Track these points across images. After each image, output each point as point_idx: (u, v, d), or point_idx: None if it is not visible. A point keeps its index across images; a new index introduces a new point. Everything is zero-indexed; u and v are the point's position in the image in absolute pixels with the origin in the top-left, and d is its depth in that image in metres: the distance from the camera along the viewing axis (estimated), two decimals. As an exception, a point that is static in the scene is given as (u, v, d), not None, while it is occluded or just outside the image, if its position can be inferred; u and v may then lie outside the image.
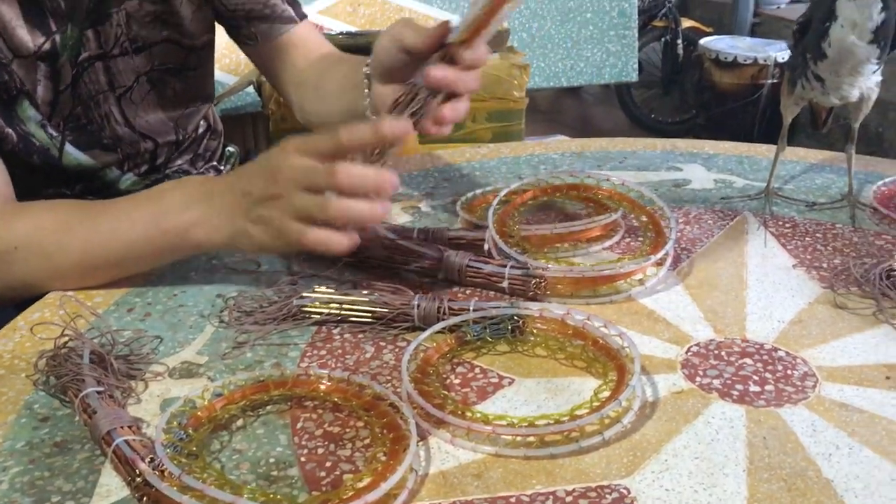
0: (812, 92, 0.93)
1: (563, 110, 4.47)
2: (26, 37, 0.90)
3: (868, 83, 0.91)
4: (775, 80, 3.28)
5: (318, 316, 0.73)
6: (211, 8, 1.05)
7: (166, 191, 0.77)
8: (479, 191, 0.98)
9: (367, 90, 0.91)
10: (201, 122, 1.16)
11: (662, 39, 3.89)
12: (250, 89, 1.59)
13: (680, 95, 3.93)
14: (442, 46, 0.73)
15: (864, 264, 0.80)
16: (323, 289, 0.75)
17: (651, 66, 4.04)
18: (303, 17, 1.09)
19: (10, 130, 0.92)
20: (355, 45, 1.65)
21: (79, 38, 0.94)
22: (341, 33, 1.63)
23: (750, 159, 1.12)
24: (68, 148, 0.98)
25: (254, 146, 1.63)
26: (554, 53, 1.94)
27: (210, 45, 1.10)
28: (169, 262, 0.80)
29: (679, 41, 3.83)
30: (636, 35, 1.96)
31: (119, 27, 0.97)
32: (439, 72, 0.70)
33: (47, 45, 0.91)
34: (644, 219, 0.89)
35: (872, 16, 0.83)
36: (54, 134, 0.96)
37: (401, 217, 0.95)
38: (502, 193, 0.90)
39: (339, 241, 0.67)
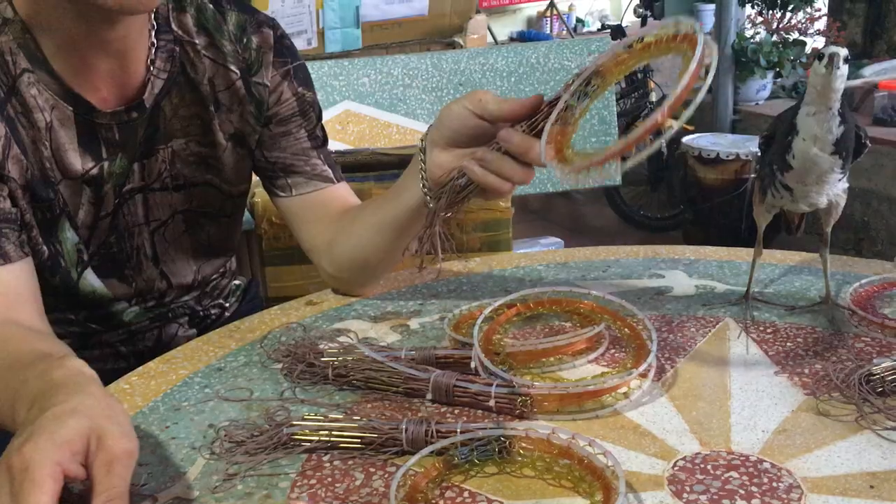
0: (782, 200, 0.96)
1: (554, 210, 4.55)
2: (77, 160, 0.94)
3: (835, 190, 0.94)
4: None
5: (309, 443, 0.74)
6: (252, 159, 1.09)
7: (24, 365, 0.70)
8: (464, 307, 1.00)
9: (422, 163, 0.94)
10: (220, 269, 1.19)
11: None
12: (243, 210, 1.64)
13: (667, 192, 4.01)
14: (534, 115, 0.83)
15: (844, 369, 0.81)
16: (312, 415, 0.76)
17: (638, 165, 4.14)
18: (341, 179, 1.12)
19: (44, 247, 0.95)
20: (345, 162, 1.71)
21: (126, 169, 0.98)
22: (332, 152, 1.68)
23: (730, 264, 1.15)
24: (88, 274, 1.01)
25: (249, 269, 1.66)
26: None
27: (245, 194, 1.13)
28: None
29: (663, 140, 3.93)
30: (617, 140, 2.03)
31: (164, 163, 1.01)
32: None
33: (95, 171, 0.95)
34: (626, 331, 0.91)
35: (832, 129, 0.87)
36: (85, 259, 0.99)
37: (389, 336, 0.97)
38: (487, 311, 0.92)
39: None
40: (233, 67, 1.03)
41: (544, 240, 2.70)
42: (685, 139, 3.65)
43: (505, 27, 7.49)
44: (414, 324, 1.00)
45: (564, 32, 7.10)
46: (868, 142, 0.93)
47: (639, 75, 4.04)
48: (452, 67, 1.98)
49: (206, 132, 1.03)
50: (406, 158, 1.72)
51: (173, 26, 0.99)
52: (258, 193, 1.59)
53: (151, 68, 0.97)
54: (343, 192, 1.12)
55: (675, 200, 3.91)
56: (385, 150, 1.72)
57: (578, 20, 7.59)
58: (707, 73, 0.69)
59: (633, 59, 0.79)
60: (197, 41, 1.01)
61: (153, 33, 0.97)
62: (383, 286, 1.13)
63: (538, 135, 0.82)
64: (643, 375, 0.82)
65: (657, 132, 0.74)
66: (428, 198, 0.93)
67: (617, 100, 4.20)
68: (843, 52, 0.83)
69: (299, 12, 2.08)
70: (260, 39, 1.05)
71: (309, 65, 1.79)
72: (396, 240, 1.01)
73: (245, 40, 1.04)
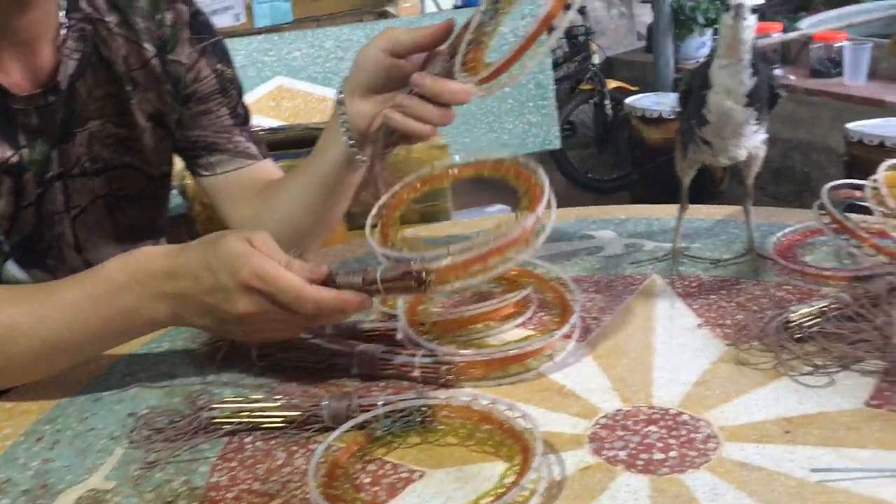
0: (703, 155, 0.96)
1: (503, 177, 4.54)
2: None
3: (753, 142, 0.94)
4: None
5: (230, 426, 0.73)
6: (172, 139, 1.06)
7: (122, 288, 0.77)
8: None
9: (343, 115, 0.92)
10: None
11: (591, 101, 4.01)
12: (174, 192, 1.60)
13: (614, 153, 4.04)
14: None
15: (764, 318, 0.82)
16: (233, 397, 0.75)
17: (584, 128, 4.16)
18: (265, 155, 1.10)
19: None
20: (276, 140, 1.68)
21: (46, 156, 0.95)
22: (262, 129, 1.66)
23: (659, 221, 1.15)
24: (10, 265, 0.98)
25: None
26: (477, 129, 1.99)
27: (168, 176, 1.10)
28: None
29: (607, 102, 3.95)
30: (555, 105, 2.03)
31: (81, 146, 0.98)
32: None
33: (14, 159, 0.92)
34: (550, 295, 0.91)
35: (744, 81, 0.87)
36: (6, 250, 0.95)
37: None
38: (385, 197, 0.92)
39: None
40: (147, 45, 1.00)
41: (491, 208, 2.69)
42: (628, 100, 3.67)
43: (448, -5, 7.44)
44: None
45: (508, -3, 7.06)
46: (781, 91, 0.93)
47: (580, 38, 4.04)
48: (385, 37, 1.96)
49: (123, 113, 1.00)
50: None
51: (83, 4, 0.96)
52: (189, 174, 1.56)
53: (63, 49, 0.94)
54: (268, 169, 1.10)
55: (622, 161, 3.94)
56: (319, 125, 1.69)
57: (522, -15, 7.56)
58: None
59: None
60: (108, 19, 0.98)
61: (63, 13, 0.94)
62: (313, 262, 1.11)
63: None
64: (567, 336, 0.82)
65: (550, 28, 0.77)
66: (354, 150, 0.92)
67: (560, 63, 4.20)
68: (750, 2, 0.83)
69: (224, -13, 2.03)
70: (174, 15, 1.02)
71: (238, 41, 1.75)
72: (326, 200, 0.99)
73: (159, 17, 1.01)
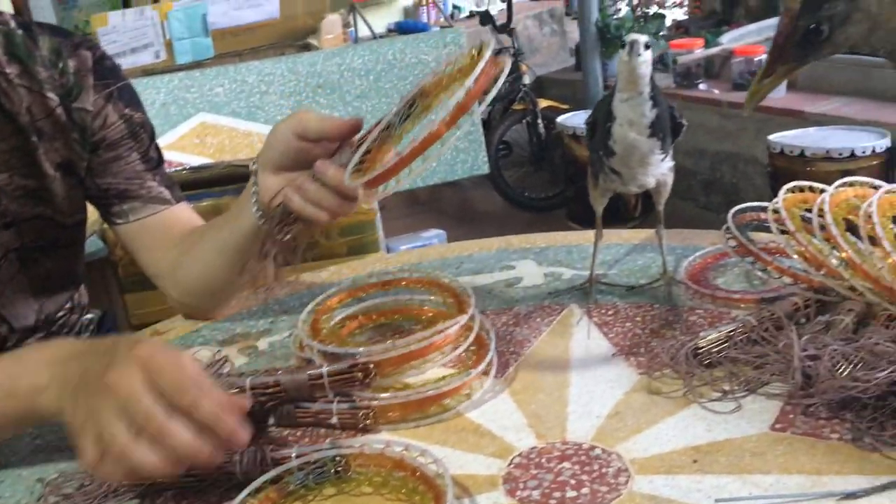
0: (613, 184, 0.98)
1: (442, 199, 4.56)
2: None
3: (660, 170, 0.97)
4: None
5: (140, 487, 0.71)
6: (83, 187, 1.04)
7: (26, 353, 0.74)
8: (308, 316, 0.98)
9: (255, 185, 0.92)
10: (66, 305, 1.13)
11: (524, 121, 4.06)
12: (95, 237, 1.58)
13: (549, 171, 4.09)
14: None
15: (673, 345, 0.84)
16: (144, 457, 0.73)
17: (519, 147, 4.20)
18: (179, 199, 1.08)
19: None
20: (200, 178, 1.67)
21: None
22: (185, 168, 1.64)
23: (579, 248, 1.17)
24: None
25: (108, 299, 1.60)
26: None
27: (82, 223, 1.08)
28: (23, 429, 0.78)
29: (539, 121, 4.00)
30: (481, 131, 2.05)
31: None
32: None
33: None
34: (468, 332, 0.91)
35: (645, 113, 0.89)
36: None
37: (237, 359, 0.95)
38: (326, 328, 0.92)
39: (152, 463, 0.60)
40: (50, 94, 0.98)
41: (426, 233, 2.70)
42: (559, 119, 3.72)
43: (382, 19, 7.45)
44: (263, 344, 0.98)
45: (442, 20, 7.12)
46: (684, 121, 0.96)
47: (511, 60, 4.09)
48: (309, 70, 1.96)
49: (30, 164, 0.98)
50: (266, 168, 1.68)
51: None
52: (111, 219, 1.53)
53: None
54: (183, 214, 1.09)
55: (557, 179, 3.98)
56: (242, 162, 1.68)
57: (455, 7, 7.62)
58: (495, 82, 0.73)
59: (451, 81, 0.80)
60: (8, 70, 0.96)
61: None
62: (234, 306, 1.10)
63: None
64: (485, 373, 0.83)
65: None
66: (262, 222, 0.91)
67: (492, 85, 4.24)
68: (643, 38, 0.85)
69: (143, 25, 2.01)
70: (77, 63, 1.00)
71: (158, 78, 1.73)
72: (238, 263, 0.98)
73: (61, 65, 0.99)
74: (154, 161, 1.08)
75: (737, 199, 3.57)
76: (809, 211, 0.92)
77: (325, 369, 0.78)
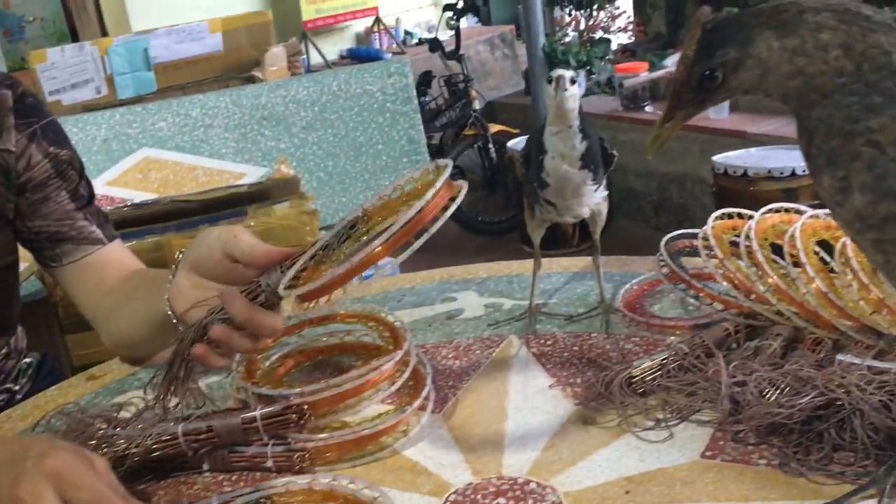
0: (549, 214, 1.00)
1: (397, 225, 4.55)
2: None
3: (594, 200, 0.98)
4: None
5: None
6: (12, 230, 1.01)
7: None
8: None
9: (171, 276, 0.84)
10: (1, 350, 1.10)
11: (475, 146, 4.09)
12: (34, 278, 1.55)
13: (502, 195, 4.11)
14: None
15: (608, 374, 0.85)
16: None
17: (471, 172, 4.22)
18: (112, 237, 1.05)
19: None
20: (143, 215, 1.65)
21: None
22: (126, 205, 1.62)
23: (520, 278, 1.18)
24: None
25: (50, 340, 1.57)
26: (354, 187, 2.00)
27: (13, 266, 1.05)
28: None
29: (490, 145, 4.03)
30: (428, 158, 2.06)
31: None
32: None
33: None
34: (404, 368, 0.91)
35: (576, 146, 0.91)
36: None
37: (174, 402, 0.93)
38: (265, 364, 0.91)
39: None
40: None
41: (381, 262, 2.69)
42: (510, 143, 3.75)
43: (334, 46, 7.46)
44: (201, 385, 0.97)
45: (395, 46, 7.16)
46: (614, 152, 0.98)
47: (460, 85, 4.13)
48: (253, 102, 1.95)
49: None
50: (211, 203, 1.68)
51: None
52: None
53: None
54: (116, 254, 1.06)
55: (510, 203, 4.01)
56: (186, 197, 1.67)
57: (407, 32, 7.67)
58: (447, 208, 0.71)
59: (399, 205, 0.78)
60: None
61: None
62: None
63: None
64: (422, 409, 0.83)
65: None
66: (170, 312, 0.82)
67: (442, 110, 4.28)
68: (569, 73, 0.87)
69: (82, 60, 1.99)
70: None
71: (100, 114, 1.71)
72: (160, 336, 0.90)
73: None
74: (84, 199, 1.06)
75: (685, 219, 3.64)
76: (739, 237, 0.94)
77: (258, 412, 0.77)
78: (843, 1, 0.46)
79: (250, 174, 1.86)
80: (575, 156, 0.91)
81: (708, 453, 0.73)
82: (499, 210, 4.16)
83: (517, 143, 3.71)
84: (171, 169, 1.87)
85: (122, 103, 1.97)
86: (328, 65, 6.59)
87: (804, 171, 2.86)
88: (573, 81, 0.87)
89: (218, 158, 1.90)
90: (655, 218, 3.79)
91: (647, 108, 3.76)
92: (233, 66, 2.18)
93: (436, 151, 4.32)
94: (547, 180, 0.94)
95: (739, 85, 0.47)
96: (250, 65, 2.18)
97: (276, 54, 2.20)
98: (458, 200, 0.72)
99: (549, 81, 0.87)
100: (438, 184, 0.69)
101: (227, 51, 2.16)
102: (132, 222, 1.61)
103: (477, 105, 4.10)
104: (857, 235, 0.49)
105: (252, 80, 2.12)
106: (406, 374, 0.85)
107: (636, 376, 0.83)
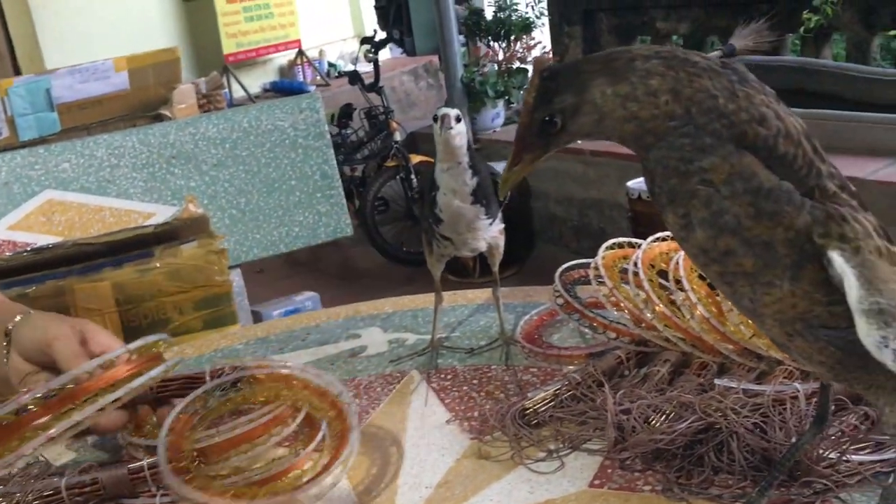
0: (447, 249, 1.01)
1: (323, 259, 4.53)
2: None
3: (490, 234, 1.00)
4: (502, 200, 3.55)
5: None
6: None
7: None
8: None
9: (5, 340, 0.84)
10: None
11: (398, 177, 4.11)
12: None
13: (426, 225, 4.13)
14: None
15: (503, 407, 0.85)
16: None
17: (395, 203, 4.24)
18: None
19: None
20: (44, 259, 1.60)
21: None
22: (24, 251, 1.57)
23: (424, 312, 1.18)
24: None
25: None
26: (267, 223, 1.98)
27: None
28: None
29: (412, 176, 4.06)
30: (342, 193, 2.06)
31: None
32: None
33: None
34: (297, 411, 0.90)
35: (466, 181, 0.92)
36: None
37: (65, 455, 0.90)
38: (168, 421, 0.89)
39: None
40: None
41: (299, 296, 2.67)
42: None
43: (257, 79, 7.43)
44: (91, 437, 0.94)
45: (318, 78, 7.16)
46: (507, 186, 0.99)
47: (381, 117, 4.15)
48: (161, 141, 1.92)
49: None
50: (115, 245, 1.64)
51: None
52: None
53: None
54: None
55: (434, 233, 4.03)
56: (89, 240, 1.63)
57: (331, 64, 7.68)
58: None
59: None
60: None
61: None
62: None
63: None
64: (317, 451, 0.82)
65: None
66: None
67: (364, 143, 4.29)
68: (454, 112, 0.88)
69: (-20, 103, 1.93)
70: None
71: (0, 156, 1.66)
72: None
73: None
74: None
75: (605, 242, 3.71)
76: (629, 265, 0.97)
77: (145, 462, 0.75)
78: (671, 48, 0.48)
79: (160, 214, 1.83)
80: (466, 191, 0.92)
81: (596, 482, 0.74)
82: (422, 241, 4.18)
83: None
84: (76, 211, 1.82)
85: (24, 145, 1.92)
86: (251, 98, 6.56)
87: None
88: (458, 119, 0.88)
89: (126, 199, 1.87)
90: (576, 242, 3.85)
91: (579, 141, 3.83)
92: (140, 105, 2.14)
93: (359, 183, 4.32)
94: (441, 216, 0.95)
95: (579, 129, 0.49)
96: (158, 103, 2.15)
97: (185, 92, 2.17)
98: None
99: (435, 120, 0.88)
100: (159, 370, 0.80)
101: (133, 89, 2.12)
102: (33, 267, 1.56)
103: (398, 136, 4.12)
104: (704, 269, 0.52)
105: (160, 118, 2.09)
106: (300, 418, 0.84)
107: (529, 408, 0.84)
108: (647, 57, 0.47)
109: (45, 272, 1.53)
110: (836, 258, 0.47)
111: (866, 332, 0.45)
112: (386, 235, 4.11)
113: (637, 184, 3.08)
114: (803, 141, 0.49)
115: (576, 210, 3.84)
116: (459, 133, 0.89)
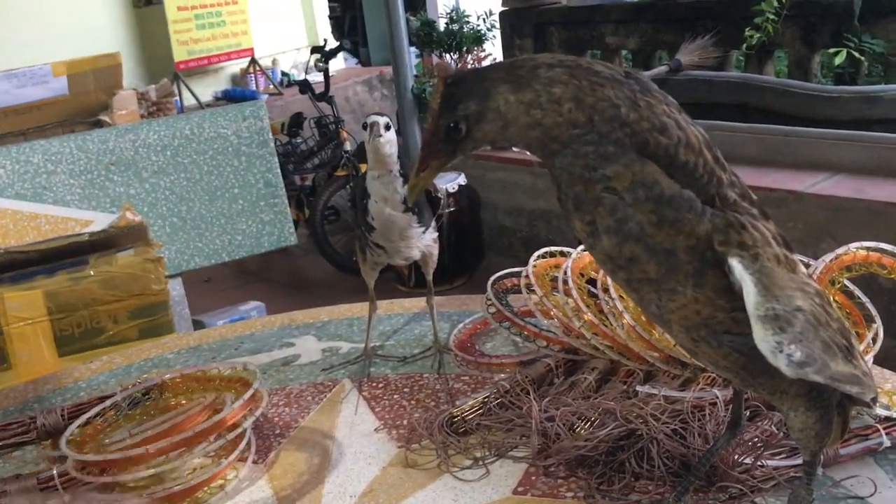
0: (380, 257, 1.00)
1: (273, 268, 4.48)
2: None
3: (423, 242, 1.00)
4: (451, 209, 3.55)
5: None
6: None
7: None
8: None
9: None
10: None
11: (348, 186, 4.08)
12: None
13: (377, 235, 4.11)
14: None
15: (430, 415, 0.85)
16: None
17: (344, 212, 4.21)
18: None
19: None
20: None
21: None
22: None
23: (360, 321, 1.18)
24: None
25: None
26: (210, 232, 1.95)
27: None
28: None
29: (363, 186, 4.04)
30: (286, 202, 2.04)
31: None
32: None
33: None
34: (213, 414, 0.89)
35: (398, 189, 0.92)
36: None
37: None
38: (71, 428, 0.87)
39: None
40: None
41: (245, 306, 2.64)
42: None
43: (208, 87, 7.32)
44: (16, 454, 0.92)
45: (271, 87, 7.10)
46: (440, 195, 1.00)
47: (331, 126, 4.13)
48: (100, 147, 1.89)
49: None
50: (49, 253, 1.60)
51: None
52: None
53: None
54: None
55: (385, 243, 4.01)
56: (21, 248, 1.59)
57: (284, 74, 7.62)
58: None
59: (195, 384, 0.88)
60: None
61: None
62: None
63: None
64: (241, 460, 0.81)
65: None
66: None
67: (314, 152, 4.26)
68: (383, 119, 0.88)
69: None
70: None
71: (-70, 162, 1.61)
72: None
73: None
74: None
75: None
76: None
77: (55, 470, 0.73)
78: (575, 57, 0.49)
79: (98, 221, 1.79)
80: (397, 199, 0.92)
81: (520, 489, 0.74)
82: (374, 250, 4.16)
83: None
84: (10, 218, 1.78)
85: (-43, 150, 1.86)
86: (202, 106, 6.46)
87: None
88: (388, 127, 0.88)
89: (63, 206, 1.83)
90: (525, 253, 3.86)
91: (514, 148, 3.86)
92: (79, 111, 2.10)
93: (309, 192, 4.29)
94: (373, 224, 0.95)
95: (484, 136, 0.49)
96: (98, 108, 2.10)
97: (126, 97, 2.13)
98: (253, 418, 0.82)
99: (364, 127, 0.88)
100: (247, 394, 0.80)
101: (73, 94, 2.08)
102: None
103: (348, 146, 4.10)
104: (612, 275, 0.52)
105: (99, 124, 2.05)
106: (216, 419, 0.83)
107: (457, 416, 0.84)
108: (550, 65, 0.48)
109: (-26, 280, 1.49)
110: (736, 265, 0.48)
111: (762, 337, 0.46)
112: (336, 245, 4.08)
113: (584, 195, 3.11)
114: (704, 150, 0.49)
115: (525, 221, 3.87)
116: (389, 141, 0.89)
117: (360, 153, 4.60)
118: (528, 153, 0.63)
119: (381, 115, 0.88)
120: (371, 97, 6.92)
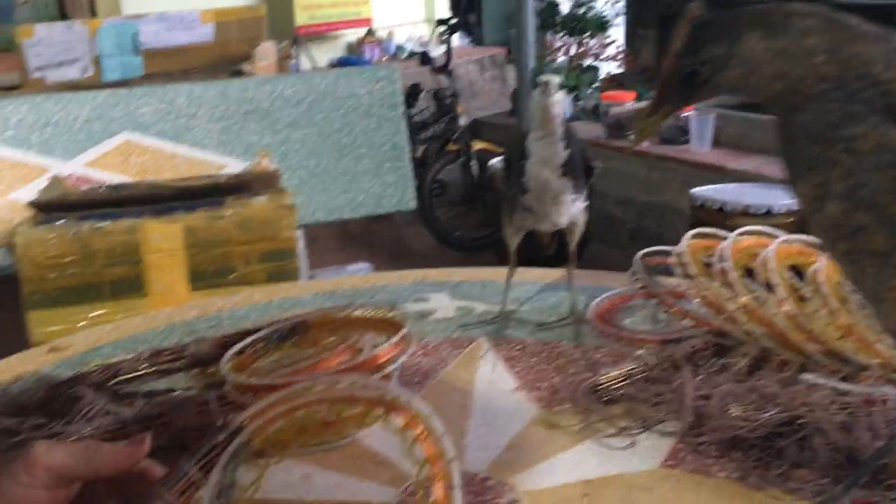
0: (527, 221, 1.00)
1: (375, 234, 4.55)
2: None
3: (573, 210, 0.99)
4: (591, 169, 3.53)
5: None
6: None
7: None
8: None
9: None
10: None
11: (458, 161, 4.10)
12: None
13: (481, 212, 4.12)
14: None
15: (574, 381, 0.85)
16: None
17: (452, 187, 4.23)
18: None
19: None
20: (119, 197, 1.63)
21: None
22: (101, 187, 1.61)
23: (492, 284, 1.18)
24: None
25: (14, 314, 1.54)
26: (334, 188, 1.99)
27: None
28: None
29: (473, 162, 4.05)
30: (410, 166, 2.06)
31: None
32: None
33: None
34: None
35: (558, 152, 0.91)
36: None
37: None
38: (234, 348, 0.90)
39: None
40: None
41: (353, 266, 2.69)
42: (492, 161, 3.76)
43: (325, 53, 7.46)
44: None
45: (385, 59, 7.18)
46: (597, 164, 0.98)
47: (447, 100, 4.14)
48: (239, 96, 1.94)
49: None
50: (188, 190, 1.66)
51: None
52: (20, 232, 1.49)
53: None
54: None
55: (488, 221, 4.02)
56: (163, 183, 1.66)
57: (398, 46, 7.69)
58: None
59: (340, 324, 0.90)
60: None
61: None
62: (138, 325, 1.07)
63: None
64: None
65: None
66: None
67: (428, 124, 4.29)
68: (556, 79, 0.87)
69: (69, 39, 1.97)
70: None
71: (83, 94, 1.69)
72: None
73: None
74: None
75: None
76: (713, 257, 0.95)
77: (212, 394, 0.76)
78: (827, 8, 0.46)
79: (231, 166, 1.85)
80: (557, 162, 0.92)
81: (668, 462, 0.73)
82: (476, 227, 4.17)
83: (497, 161, 3.73)
84: (151, 155, 1.85)
85: (107, 86, 1.95)
86: (315, 68, 6.60)
87: (780, 209, 2.90)
88: (560, 87, 0.87)
89: (200, 148, 1.89)
90: (631, 245, 3.81)
91: (631, 137, 3.79)
92: (222, 58, 2.17)
93: (419, 164, 4.32)
94: (528, 185, 0.94)
95: (724, 83, 0.48)
96: (240, 58, 2.17)
97: (267, 50, 2.19)
98: (403, 357, 0.82)
99: (536, 86, 0.87)
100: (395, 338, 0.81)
101: (217, 42, 2.15)
102: (107, 204, 1.59)
103: (462, 121, 4.11)
104: (832, 245, 0.50)
105: (240, 73, 2.11)
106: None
107: (602, 384, 0.83)
108: (804, 15, 0.46)
109: (121, 209, 1.56)
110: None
111: None
112: (441, 218, 4.11)
113: (702, 191, 3.03)
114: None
115: (634, 212, 3.80)
116: (558, 101, 0.88)
117: (473, 130, 4.61)
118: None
119: (555, 75, 0.88)
120: (482, 77, 6.89)
